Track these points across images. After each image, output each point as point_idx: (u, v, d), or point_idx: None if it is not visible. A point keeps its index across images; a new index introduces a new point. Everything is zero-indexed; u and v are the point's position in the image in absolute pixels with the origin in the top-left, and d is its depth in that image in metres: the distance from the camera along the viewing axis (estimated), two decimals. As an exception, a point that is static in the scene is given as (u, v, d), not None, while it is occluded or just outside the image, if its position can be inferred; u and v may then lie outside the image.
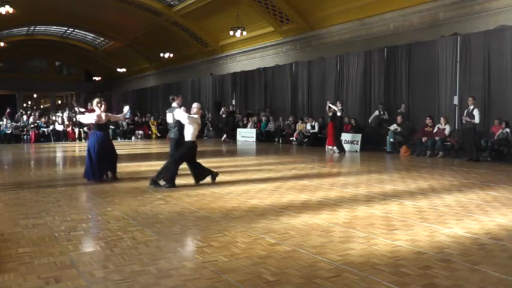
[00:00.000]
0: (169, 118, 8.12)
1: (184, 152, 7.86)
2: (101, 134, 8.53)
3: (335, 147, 14.32)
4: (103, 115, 8.58)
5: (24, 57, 41.55)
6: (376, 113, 15.21)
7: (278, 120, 20.15)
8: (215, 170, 8.49)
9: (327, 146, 14.79)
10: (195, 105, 7.97)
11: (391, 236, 4.70)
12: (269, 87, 21.82)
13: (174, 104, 8.12)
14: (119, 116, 9.75)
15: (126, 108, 8.92)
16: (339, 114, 14.18)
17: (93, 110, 12.33)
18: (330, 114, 14.39)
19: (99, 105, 8.58)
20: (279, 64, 21.54)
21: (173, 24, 26.46)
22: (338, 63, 17.84)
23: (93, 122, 8.55)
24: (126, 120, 25.04)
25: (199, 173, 8.04)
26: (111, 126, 23.99)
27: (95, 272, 3.71)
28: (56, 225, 5.27)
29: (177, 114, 7.86)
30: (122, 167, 10.94)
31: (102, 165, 8.57)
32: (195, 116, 7.82)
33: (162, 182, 7.78)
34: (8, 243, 4.52)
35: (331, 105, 14.30)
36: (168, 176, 7.74)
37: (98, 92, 42.45)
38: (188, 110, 8.03)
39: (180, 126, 7.92)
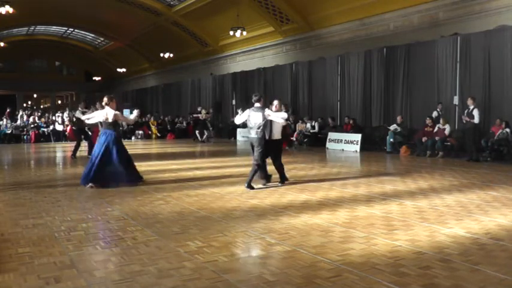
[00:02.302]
0: (254, 118, 7.88)
1: (279, 150, 8.25)
2: (113, 133, 7.98)
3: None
4: (111, 113, 8.00)
5: (24, 57, 41.58)
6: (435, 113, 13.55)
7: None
8: (215, 170, 8.49)
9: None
10: (276, 103, 8.23)
11: (391, 236, 4.70)
12: (269, 87, 21.81)
13: (258, 104, 7.99)
14: (128, 119, 9.21)
15: (135, 112, 8.57)
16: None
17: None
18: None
19: (110, 102, 8.09)
20: (279, 64, 21.54)
21: (173, 24, 26.47)
22: (338, 63, 17.85)
23: (102, 120, 8.10)
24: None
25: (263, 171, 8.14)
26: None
27: (95, 272, 3.70)
28: (56, 225, 5.27)
29: (272, 115, 7.93)
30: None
31: (120, 167, 7.95)
32: (286, 115, 8.27)
33: (262, 182, 8.04)
34: (8, 243, 4.52)
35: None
36: (264, 174, 8.08)
37: (97, 92, 42.55)
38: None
39: (264, 125, 7.92)
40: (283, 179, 8.23)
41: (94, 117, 8.43)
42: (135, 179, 8.28)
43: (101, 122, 8.25)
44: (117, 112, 8.05)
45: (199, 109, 21.46)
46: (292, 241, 4.56)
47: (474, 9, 13.77)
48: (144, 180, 8.44)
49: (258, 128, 7.81)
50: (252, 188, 7.69)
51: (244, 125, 21.00)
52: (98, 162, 7.82)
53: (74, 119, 12.19)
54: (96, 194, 7.33)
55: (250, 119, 7.89)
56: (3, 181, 8.91)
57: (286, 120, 8.38)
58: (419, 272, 3.66)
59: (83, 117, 8.82)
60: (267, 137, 7.88)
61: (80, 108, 12.92)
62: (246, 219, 5.49)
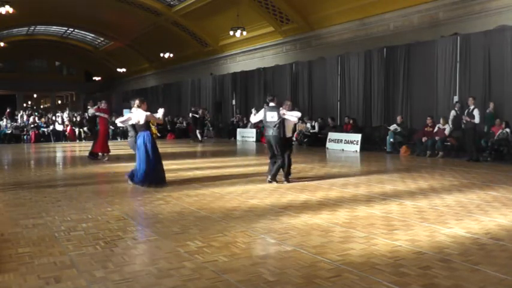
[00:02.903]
0: (270, 117, 8.26)
1: (290, 147, 8.68)
2: (148, 134, 8.09)
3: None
4: (143, 115, 8.06)
5: (24, 57, 41.60)
6: (453, 113, 13.11)
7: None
8: (215, 170, 8.50)
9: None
10: (289, 103, 8.64)
11: (391, 236, 4.70)
12: (269, 87, 21.81)
13: (273, 104, 8.36)
14: (158, 118, 8.96)
15: (161, 111, 8.62)
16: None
17: (103, 110, 12.45)
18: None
19: (141, 104, 8.17)
20: (279, 64, 21.55)
21: (173, 24, 26.48)
22: (338, 63, 17.85)
23: (135, 122, 8.18)
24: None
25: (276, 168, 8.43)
26: (111, 127, 24.08)
27: (95, 272, 3.70)
28: (56, 225, 5.27)
29: (287, 114, 8.32)
30: (122, 167, 10.94)
31: (160, 166, 8.16)
32: (300, 114, 8.86)
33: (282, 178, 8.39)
34: (8, 243, 4.52)
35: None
36: (290, 170, 8.55)
37: (98, 92, 42.55)
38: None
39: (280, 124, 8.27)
40: (287, 176, 8.45)
41: (128, 119, 8.51)
42: (161, 180, 8.16)
43: (132, 124, 8.36)
44: (148, 113, 8.15)
45: (193, 109, 21.47)
46: (292, 241, 4.55)
47: (474, 9, 13.77)
48: (166, 185, 8.19)
49: (274, 127, 8.19)
50: (275, 181, 8.19)
51: (242, 125, 21.02)
52: (145, 163, 7.90)
53: (87, 117, 12.22)
54: (96, 194, 7.33)
55: (267, 118, 8.26)
56: (3, 181, 8.91)
57: (300, 119, 8.60)
58: (419, 272, 3.66)
59: (117, 120, 8.77)
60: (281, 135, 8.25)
61: (89, 107, 12.95)
62: (246, 219, 5.49)
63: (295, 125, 9.41)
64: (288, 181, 8.37)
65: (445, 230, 4.92)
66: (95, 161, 12.38)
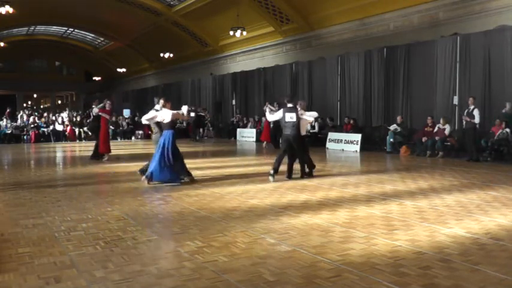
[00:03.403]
0: (289, 117, 8.63)
1: (305, 145, 9.09)
2: (173, 133, 8.25)
3: (269, 144, 16.37)
4: (169, 114, 8.24)
5: (24, 57, 41.59)
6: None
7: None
8: (215, 170, 8.50)
9: (264, 141, 16.91)
10: (304, 103, 9.27)
11: (391, 236, 4.70)
12: (269, 87, 21.82)
13: (291, 104, 8.77)
14: (182, 114, 9.04)
15: (185, 107, 8.75)
16: None
17: (106, 111, 12.54)
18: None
19: (166, 104, 8.35)
20: (279, 64, 21.55)
21: (173, 24, 26.47)
22: (338, 63, 17.85)
23: (160, 120, 8.35)
24: (127, 120, 25.05)
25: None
26: (111, 127, 24.08)
27: (95, 272, 3.70)
28: (56, 225, 5.27)
29: (305, 114, 8.97)
30: (122, 167, 10.95)
31: (178, 164, 8.32)
32: (316, 114, 9.58)
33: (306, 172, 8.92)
34: (8, 243, 4.52)
35: (270, 106, 15.43)
36: (312, 163, 9.06)
37: (98, 92, 42.55)
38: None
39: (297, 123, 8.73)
40: (311, 172, 8.99)
41: (153, 117, 8.57)
42: (174, 179, 8.27)
43: (157, 123, 8.54)
44: (174, 112, 8.34)
45: (198, 109, 21.51)
46: (292, 241, 4.55)
47: (474, 9, 13.77)
48: (181, 183, 8.30)
49: (293, 126, 8.57)
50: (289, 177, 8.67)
51: (242, 125, 20.97)
52: (168, 161, 8.04)
53: (92, 117, 12.34)
54: (96, 194, 7.33)
55: (286, 119, 8.62)
56: (3, 181, 8.92)
57: (316, 118, 9.17)
58: (419, 272, 3.66)
59: (143, 118, 8.83)
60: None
61: (94, 106, 13.01)
62: (246, 219, 5.49)
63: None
64: (312, 175, 8.90)
65: (445, 230, 4.92)
66: (97, 161, 12.35)
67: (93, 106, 13.15)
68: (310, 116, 9.02)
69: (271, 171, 8.51)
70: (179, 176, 8.34)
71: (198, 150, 16.97)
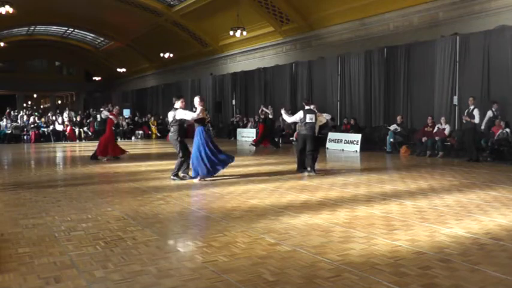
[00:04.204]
0: (309, 118, 9.45)
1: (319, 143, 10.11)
2: (202, 129, 8.60)
3: (270, 146, 16.71)
4: (195, 114, 8.60)
5: (24, 57, 41.55)
6: (490, 113, 12.25)
7: (278, 120, 20.12)
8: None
9: (252, 143, 17.07)
10: (313, 106, 9.99)
11: (391, 236, 4.70)
12: (269, 87, 21.82)
13: (309, 107, 9.66)
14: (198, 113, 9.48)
15: (196, 100, 9.27)
16: (270, 116, 16.84)
17: (114, 115, 12.73)
18: (262, 116, 16.67)
19: (201, 102, 8.63)
20: (279, 64, 21.54)
21: (173, 24, 26.47)
22: (338, 63, 17.85)
23: (196, 117, 8.59)
24: (127, 120, 25.06)
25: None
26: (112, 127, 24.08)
27: (95, 272, 3.70)
28: (56, 225, 5.27)
29: (322, 116, 10.04)
30: (122, 167, 10.95)
31: (215, 158, 8.65)
32: (330, 116, 10.44)
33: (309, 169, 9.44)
34: (8, 243, 4.52)
35: (264, 108, 15.80)
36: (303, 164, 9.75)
37: (97, 92, 42.54)
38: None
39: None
40: (313, 169, 9.49)
41: (187, 114, 8.77)
42: (228, 159, 8.81)
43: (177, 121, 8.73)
44: (198, 112, 8.58)
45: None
46: (292, 241, 4.55)
47: (474, 9, 13.77)
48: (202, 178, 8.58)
49: (312, 126, 9.43)
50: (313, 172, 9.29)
51: (242, 125, 20.96)
52: (205, 156, 8.45)
53: (100, 118, 12.68)
54: (96, 194, 7.33)
55: (306, 119, 9.40)
56: (3, 181, 8.92)
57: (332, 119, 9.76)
58: (419, 272, 3.66)
59: (190, 116, 8.98)
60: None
61: (102, 109, 13.29)
62: (246, 219, 5.49)
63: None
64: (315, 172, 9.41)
65: (445, 230, 4.92)
66: (96, 161, 12.36)
67: (102, 109, 13.38)
68: (325, 118, 10.18)
69: (308, 168, 9.37)
70: (228, 158, 8.78)
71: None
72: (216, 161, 8.58)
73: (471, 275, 3.61)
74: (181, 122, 8.65)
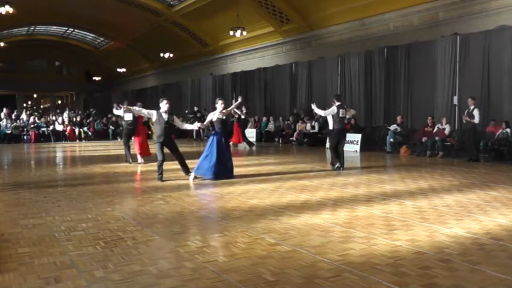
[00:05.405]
0: (341, 113, 10.00)
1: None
2: (218, 132, 8.85)
3: (244, 143, 17.33)
4: (224, 112, 8.91)
5: (24, 57, 41.53)
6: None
7: (278, 120, 20.15)
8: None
9: (232, 143, 16.84)
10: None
11: (391, 236, 4.70)
12: (269, 87, 21.81)
13: (339, 103, 10.09)
14: (231, 107, 9.96)
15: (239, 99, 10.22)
16: (243, 117, 17.66)
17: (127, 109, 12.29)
18: (236, 116, 17.08)
19: (222, 104, 8.90)
20: (279, 64, 21.54)
21: (173, 24, 26.46)
22: (338, 63, 17.85)
23: (217, 118, 8.82)
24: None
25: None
26: (110, 127, 24.07)
27: (95, 272, 3.70)
28: (56, 225, 5.27)
29: (352, 111, 10.91)
30: (122, 167, 10.95)
31: (225, 161, 8.86)
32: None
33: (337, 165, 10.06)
34: (8, 243, 4.52)
35: (236, 109, 15.85)
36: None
37: (97, 92, 42.53)
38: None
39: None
40: (343, 164, 10.10)
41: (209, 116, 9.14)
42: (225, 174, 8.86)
43: (210, 121, 9.09)
44: (220, 110, 8.88)
45: (203, 110, 21.57)
46: (292, 241, 4.55)
47: (474, 9, 13.77)
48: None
49: (343, 121, 10.11)
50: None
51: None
52: (216, 157, 8.60)
53: (131, 118, 11.69)
54: (96, 194, 7.33)
55: (339, 114, 9.94)
56: (3, 181, 8.92)
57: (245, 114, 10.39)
58: (419, 272, 3.66)
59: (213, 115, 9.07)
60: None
61: (114, 106, 12.67)
62: (246, 219, 5.49)
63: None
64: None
65: (445, 230, 4.92)
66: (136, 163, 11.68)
67: (114, 105, 12.70)
68: (352, 113, 11.21)
69: (337, 165, 9.96)
70: (230, 173, 8.88)
71: (198, 150, 16.96)
72: (221, 166, 8.66)
73: (471, 275, 3.61)
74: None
